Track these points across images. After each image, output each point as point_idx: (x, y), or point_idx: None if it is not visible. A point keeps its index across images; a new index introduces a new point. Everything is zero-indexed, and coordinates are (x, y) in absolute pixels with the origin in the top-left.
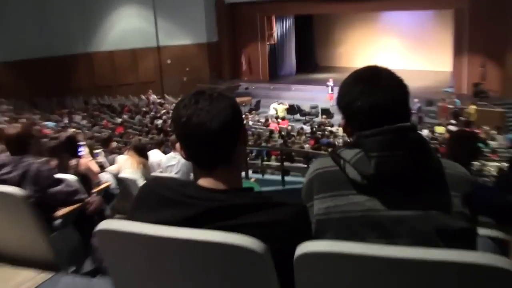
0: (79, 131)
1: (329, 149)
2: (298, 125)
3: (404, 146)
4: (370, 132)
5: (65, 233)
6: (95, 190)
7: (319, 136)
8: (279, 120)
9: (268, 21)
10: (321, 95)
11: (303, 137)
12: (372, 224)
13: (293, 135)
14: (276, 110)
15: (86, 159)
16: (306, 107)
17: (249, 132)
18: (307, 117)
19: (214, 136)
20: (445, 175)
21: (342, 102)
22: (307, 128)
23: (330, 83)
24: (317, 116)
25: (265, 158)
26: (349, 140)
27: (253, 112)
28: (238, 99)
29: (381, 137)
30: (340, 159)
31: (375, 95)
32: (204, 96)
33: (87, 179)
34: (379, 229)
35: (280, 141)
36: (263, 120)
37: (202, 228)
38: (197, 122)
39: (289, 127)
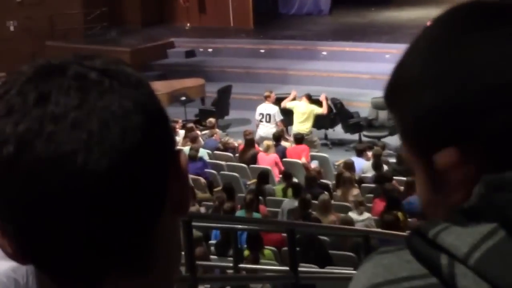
0: None
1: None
2: (338, 157)
3: None
4: None
5: None
6: None
7: (395, 189)
8: (284, 143)
9: None
10: None
11: (355, 191)
12: None
13: (323, 186)
14: (275, 117)
15: None
16: (360, 106)
17: (194, 180)
18: (366, 134)
19: (100, 193)
20: None
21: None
22: (363, 166)
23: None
24: (391, 130)
25: (245, 250)
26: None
27: (210, 121)
28: (164, 84)
29: None
30: (438, 254)
31: None
32: (65, 79)
33: None
34: None
35: (291, 202)
36: (238, 142)
37: None
38: (50, 157)
39: (314, 165)
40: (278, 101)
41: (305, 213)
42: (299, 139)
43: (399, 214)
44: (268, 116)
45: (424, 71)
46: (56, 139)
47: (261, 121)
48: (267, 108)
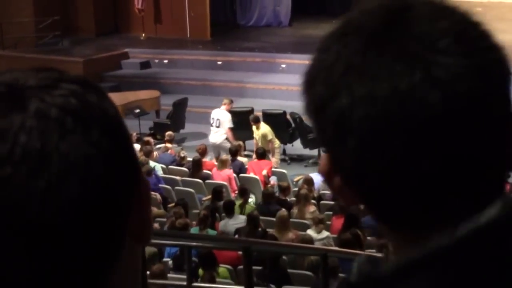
0: None
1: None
2: (297, 173)
3: None
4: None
5: None
6: None
7: (355, 207)
8: (241, 158)
9: None
10: None
11: (311, 208)
12: None
13: (281, 202)
14: (225, 124)
15: None
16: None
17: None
18: (325, 150)
19: (55, 242)
20: None
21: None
22: (321, 183)
23: None
24: None
25: (199, 270)
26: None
27: (169, 135)
28: (118, 96)
29: None
30: None
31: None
32: (27, 118)
33: None
34: None
35: (242, 219)
36: (191, 157)
37: None
38: (3, 204)
39: (273, 181)
40: (234, 114)
41: (255, 231)
42: (261, 153)
43: (358, 232)
44: (218, 121)
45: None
46: (11, 185)
47: (211, 125)
48: (219, 113)
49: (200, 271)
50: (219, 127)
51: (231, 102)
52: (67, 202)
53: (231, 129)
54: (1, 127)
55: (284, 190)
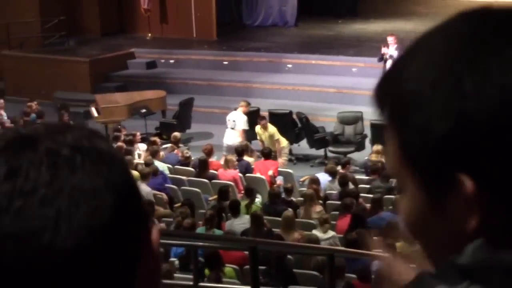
0: None
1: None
2: (303, 174)
3: None
4: None
5: None
6: None
7: (361, 207)
8: (248, 158)
9: None
10: (369, 82)
11: (318, 208)
12: None
13: (287, 202)
14: (239, 125)
15: None
16: (326, 120)
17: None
18: (331, 150)
19: (66, 272)
20: None
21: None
22: (329, 182)
23: (391, 47)
24: (357, 146)
25: (206, 270)
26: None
27: (175, 136)
28: (124, 96)
29: None
30: None
31: None
32: (37, 155)
33: None
34: None
35: (248, 219)
36: (196, 157)
37: None
38: (17, 233)
39: (279, 181)
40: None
41: (261, 231)
42: (267, 153)
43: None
44: (233, 123)
45: (434, 88)
46: (24, 215)
47: (227, 127)
48: (235, 115)
49: (207, 271)
50: (234, 128)
51: (249, 104)
52: (78, 227)
53: (245, 130)
54: (14, 165)
55: (288, 191)
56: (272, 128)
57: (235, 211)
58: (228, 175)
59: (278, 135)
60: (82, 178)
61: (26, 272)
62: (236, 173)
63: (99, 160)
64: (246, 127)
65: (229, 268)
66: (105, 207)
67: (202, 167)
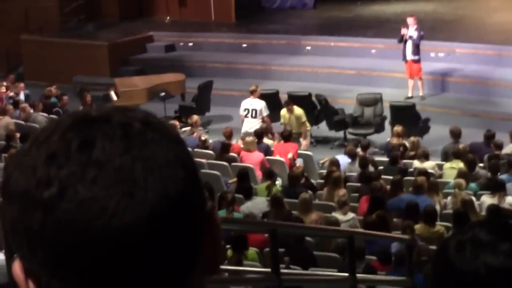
0: None
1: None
2: (323, 156)
3: None
4: None
5: None
6: None
7: (381, 187)
8: (266, 140)
9: None
10: (388, 63)
11: (342, 191)
12: None
13: (307, 185)
14: (262, 111)
15: None
16: (346, 102)
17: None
18: (351, 132)
19: (139, 240)
20: None
21: None
22: (348, 164)
23: (411, 28)
24: (377, 128)
25: (228, 251)
26: None
27: (193, 119)
28: (143, 79)
29: None
30: None
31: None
32: (110, 127)
33: None
34: None
35: (264, 203)
36: (219, 141)
37: None
38: (92, 200)
39: (299, 163)
40: (261, 97)
41: (280, 212)
42: (287, 136)
43: (384, 214)
44: (254, 112)
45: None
46: (100, 183)
47: (246, 116)
48: (253, 103)
49: (229, 253)
50: (256, 117)
51: (257, 87)
52: (153, 195)
53: (269, 115)
54: (85, 136)
55: (304, 178)
56: (298, 110)
57: (247, 194)
58: (254, 158)
59: (304, 117)
60: (154, 151)
61: (99, 239)
62: (262, 155)
63: (168, 135)
64: (268, 111)
65: (252, 251)
66: (177, 178)
67: (224, 150)
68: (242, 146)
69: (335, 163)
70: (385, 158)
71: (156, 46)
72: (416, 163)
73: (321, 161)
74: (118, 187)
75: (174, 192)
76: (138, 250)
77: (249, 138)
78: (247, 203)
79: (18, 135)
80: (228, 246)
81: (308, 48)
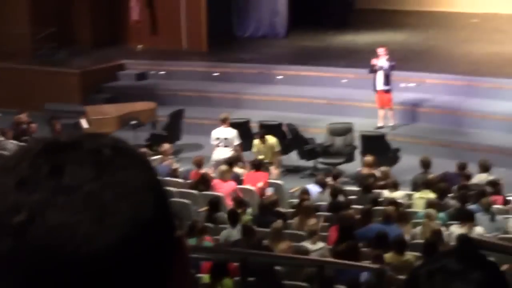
0: None
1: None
2: (293, 185)
3: None
4: None
5: None
6: None
7: (351, 217)
8: (237, 170)
9: None
10: (359, 93)
11: (313, 220)
12: None
13: (278, 214)
14: (234, 141)
15: None
16: (316, 132)
17: None
18: (321, 161)
19: (109, 265)
20: None
21: None
22: (318, 194)
23: (382, 58)
24: (347, 157)
25: (203, 277)
26: None
27: (165, 148)
28: (115, 107)
29: None
30: None
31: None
32: (80, 153)
33: None
34: None
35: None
36: (187, 169)
37: None
38: (62, 226)
39: (269, 191)
40: (232, 125)
41: (251, 241)
42: (258, 165)
43: (355, 243)
44: (226, 141)
45: None
46: (69, 209)
47: (218, 145)
48: (224, 132)
49: (206, 278)
50: (228, 146)
51: (229, 115)
52: (122, 221)
53: (241, 144)
54: (55, 162)
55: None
56: (272, 140)
57: (234, 220)
58: (227, 187)
59: (278, 147)
60: (124, 176)
61: (69, 265)
62: (235, 184)
63: (138, 161)
64: (240, 140)
65: (228, 280)
66: (147, 204)
67: (205, 182)
68: (213, 174)
69: (306, 192)
70: (355, 188)
71: (127, 74)
72: (386, 193)
73: (291, 190)
74: (87, 212)
75: (144, 217)
76: (108, 276)
77: (224, 167)
78: (230, 230)
79: None
80: (205, 273)
81: (280, 77)
